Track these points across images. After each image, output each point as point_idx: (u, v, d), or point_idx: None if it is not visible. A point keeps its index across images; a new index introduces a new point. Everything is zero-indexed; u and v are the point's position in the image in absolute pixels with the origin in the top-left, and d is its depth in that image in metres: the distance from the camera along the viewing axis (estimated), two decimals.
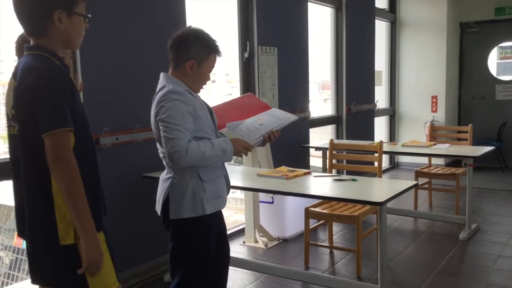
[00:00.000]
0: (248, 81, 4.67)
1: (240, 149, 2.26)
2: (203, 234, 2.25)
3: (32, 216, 1.74)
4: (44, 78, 1.63)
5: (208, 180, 2.23)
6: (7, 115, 1.80)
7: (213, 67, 2.29)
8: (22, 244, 6.79)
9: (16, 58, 2.37)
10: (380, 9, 7.22)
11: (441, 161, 6.93)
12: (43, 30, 1.70)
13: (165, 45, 2.29)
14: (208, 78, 2.32)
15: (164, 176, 2.29)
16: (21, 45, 2.27)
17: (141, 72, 3.51)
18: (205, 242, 2.26)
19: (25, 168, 1.73)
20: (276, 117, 2.52)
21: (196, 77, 2.24)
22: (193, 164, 2.15)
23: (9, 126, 1.80)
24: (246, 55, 4.60)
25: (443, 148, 4.74)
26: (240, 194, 5.13)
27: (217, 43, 2.26)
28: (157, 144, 2.28)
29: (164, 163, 2.29)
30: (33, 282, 1.98)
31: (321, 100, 7.60)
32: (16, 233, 6.93)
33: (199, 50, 2.21)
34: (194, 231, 2.23)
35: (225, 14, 4.83)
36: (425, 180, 5.45)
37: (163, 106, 2.12)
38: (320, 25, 6.16)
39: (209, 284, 2.30)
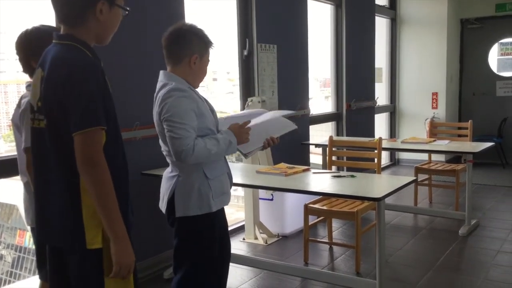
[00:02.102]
0: (247, 78, 4.69)
1: (242, 135, 2.30)
2: (209, 231, 2.28)
3: (58, 217, 1.66)
4: (77, 71, 1.55)
5: (213, 177, 2.25)
6: (32, 107, 1.71)
7: (209, 60, 2.33)
8: (24, 242, 6.83)
9: (16, 57, 2.33)
10: (380, 6, 7.22)
11: (441, 157, 6.94)
12: (81, 19, 1.64)
13: None
14: (206, 73, 2.35)
15: (168, 174, 2.30)
16: (22, 45, 2.26)
17: (140, 70, 3.52)
18: (210, 239, 2.29)
19: (53, 166, 1.65)
20: (277, 122, 2.53)
21: (198, 71, 2.28)
22: (199, 162, 2.17)
23: (34, 119, 1.70)
24: (245, 52, 4.61)
25: (443, 144, 4.75)
26: (241, 191, 5.15)
27: (210, 36, 2.30)
28: (160, 142, 2.29)
29: (169, 161, 2.30)
30: (43, 277, 1.94)
31: (322, 97, 7.61)
32: (18, 231, 6.97)
33: (199, 45, 2.25)
34: (200, 228, 2.26)
35: (224, 12, 4.84)
36: (425, 176, 5.46)
37: (167, 104, 2.13)
38: (320, 22, 6.16)
39: (211, 280, 2.33)
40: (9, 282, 6.68)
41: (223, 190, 2.32)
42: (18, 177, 2.59)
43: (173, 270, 2.37)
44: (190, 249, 2.28)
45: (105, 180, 1.56)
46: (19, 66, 2.38)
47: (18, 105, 2.27)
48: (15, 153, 2.50)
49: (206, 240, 2.27)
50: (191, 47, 2.23)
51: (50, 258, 1.79)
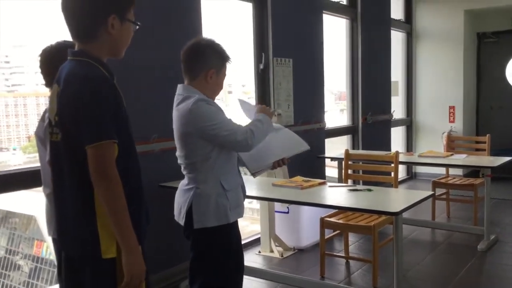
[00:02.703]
0: (263, 92, 4.71)
1: (267, 111, 2.41)
2: (226, 242, 2.29)
3: (74, 227, 1.70)
4: (88, 87, 1.60)
5: (230, 189, 2.28)
6: (50, 121, 1.77)
7: (225, 75, 2.37)
8: (41, 253, 6.89)
9: (37, 70, 2.37)
10: (396, 20, 7.22)
11: (459, 171, 6.85)
12: (94, 34, 1.68)
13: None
14: (222, 87, 2.39)
15: (185, 187, 2.32)
16: (47, 60, 2.30)
17: (157, 83, 3.57)
18: (227, 251, 2.30)
19: (67, 177, 1.69)
20: (290, 141, 2.54)
21: (214, 86, 2.31)
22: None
23: (52, 133, 1.76)
24: (261, 66, 4.64)
25: (461, 158, 4.70)
26: (256, 204, 5.15)
27: (228, 51, 2.34)
28: (178, 153, 2.32)
29: (185, 173, 2.32)
30: None
31: (337, 110, 7.60)
32: (36, 242, 7.04)
33: (216, 59, 2.29)
34: (218, 239, 2.27)
35: (241, 26, 4.89)
36: (443, 190, 5.40)
37: (198, 113, 2.17)
38: (336, 36, 6.18)
39: None
40: None
41: (239, 202, 2.34)
42: (37, 189, 2.63)
43: (189, 282, 2.38)
44: (206, 261, 2.29)
45: (117, 193, 1.60)
46: (38, 79, 2.41)
47: (42, 119, 2.32)
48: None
49: (223, 252, 2.28)
50: (209, 61, 2.26)
51: (65, 267, 1.82)
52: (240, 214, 2.36)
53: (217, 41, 2.33)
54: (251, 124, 2.30)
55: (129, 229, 1.63)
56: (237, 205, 2.32)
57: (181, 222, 2.30)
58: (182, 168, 2.32)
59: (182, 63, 2.31)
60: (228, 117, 2.26)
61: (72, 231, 1.72)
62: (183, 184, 2.35)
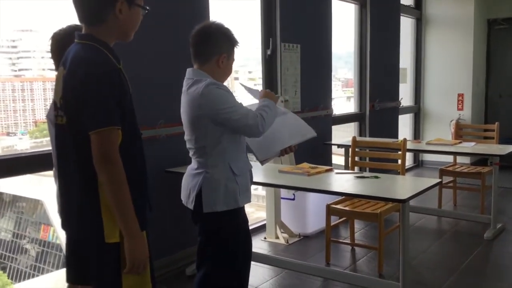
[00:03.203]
0: (270, 78, 4.68)
1: (272, 96, 2.41)
2: (235, 226, 2.30)
3: (78, 211, 1.71)
4: (93, 72, 1.59)
5: (240, 173, 2.28)
6: (55, 104, 1.76)
7: (234, 59, 2.36)
8: (48, 237, 6.95)
9: (49, 54, 2.34)
10: (406, 5, 7.13)
11: (466, 159, 6.81)
12: (101, 19, 1.66)
13: (188, 41, 2.31)
14: (231, 71, 2.38)
15: (194, 171, 2.30)
16: (58, 44, 2.27)
17: (164, 68, 3.55)
18: (235, 235, 2.30)
19: (72, 160, 1.69)
20: (297, 128, 2.52)
21: (225, 70, 2.31)
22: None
23: (57, 116, 1.76)
24: (268, 52, 4.60)
25: (469, 146, 4.66)
26: (262, 191, 5.14)
27: (236, 35, 2.33)
28: (186, 137, 2.31)
29: (194, 158, 2.31)
30: (69, 279, 1.95)
31: (344, 98, 7.55)
32: (42, 226, 7.10)
33: (227, 44, 2.27)
34: (227, 223, 2.27)
35: (248, 11, 4.84)
36: (450, 178, 5.37)
37: (210, 97, 2.16)
38: (344, 22, 6.12)
39: (234, 277, 2.33)
40: (33, 275, 6.80)
41: (247, 187, 2.35)
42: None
43: (196, 267, 2.38)
44: (214, 246, 2.29)
45: (119, 179, 1.60)
46: (45, 64, 2.39)
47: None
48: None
49: (231, 236, 2.28)
50: (220, 46, 2.25)
51: (71, 250, 1.87)
52: (249, 199, 2.36)
53: (226, 25, 2.30)
54: (260, 109, 2.29)
55: (131, 215, 1.63)
56: (246, 189, 2.32)
57: (190, 206, 2.30)
58: (191, 152, 2.31)
59: (192, 47, 2.29)
60: (239, 101, 2.25)
61: (75, 214, 1.72)
62: (191, 168, 2.34)
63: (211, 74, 2.25)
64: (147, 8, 1.76)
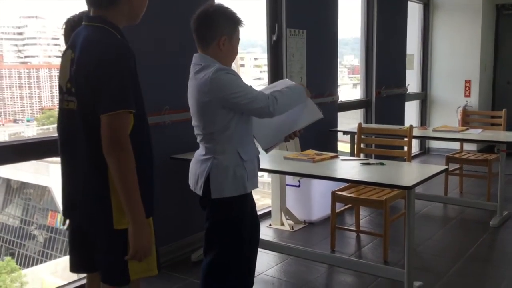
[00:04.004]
0: (276, 64, 4.65)
1: (306, 91, 2.43)
2: (243, 212, 2.30)
3: (87, 197, 1.70)
4: (109, 53, 1.56)
5: (248, 159, 2.27)
6: (61, 88, 1.73)
7: (239, 39, 2.31)
8: (56, 223, 7.00)
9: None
10: None
11: (473, 146, 6.77)
12: (113, 2, 1.64)
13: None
14: (237, 52, 2.34)
15: (201, 157, 2.29)
16: (71, 29, 2.25)
17: (169, 53, 3.53)
18: (242, 221, 2.30)
19: (80, 146, 1.67)
20: (303, 110, 2.49)
21: (228, 52, 2.26)
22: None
23: (62, 100, 1.73)
24: (274, 37, 4.57)
25: (476, 133, 4.63)
26: (267, 178, 5.15)
27: (238, 14, 2.28)
28: (194, 122, 2.30)
29: (201, 144, 2.30)
30: (74, 269, 1.94)
31: (351, 85, 7.52)
32: (50, 213, 7.15)
33: (227, 25, 2.22)
34: (235, 209, 2.27)
35: None
36: (456, 166, 5.35)
37: (219, 82, 2.14)
38: (351, 7, 6.06)
39: (241, 262, 2.34)
40: (41, 261, 6.88)
41: (255, 173, 2.34)
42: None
43: (204, 252, 2.38)
44: (222, 231, 2.29)
45: (129, 164, 1.58)
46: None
47: None
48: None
49: (239, 222, 2.28)
50: (219, 28, 2.20)
51: (77, 236, 1.83)
52: (256, 185, 2.36)
53: (226, 5, 2.26)
54: (277, 91, 2.30)
55: (138, 201, 1.62)
56: (253, 175, 2.32)
57: (199, 192, 2.30)
58: (199, 138, 2.30)
59: (193, 32, 2.27)
60: (248, 84, 2.23)
61: (84, 201, 1.72)
62: (199, 154, 2.33)
63: (215, 57, 2.22)
64: None
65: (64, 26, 2.24)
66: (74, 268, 1.93)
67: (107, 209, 1.65)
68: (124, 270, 1.70)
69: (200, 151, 2.32)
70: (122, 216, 1.65)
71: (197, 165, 2.32)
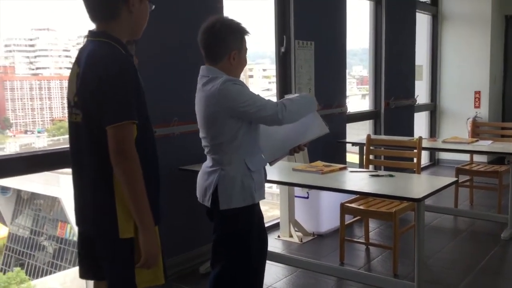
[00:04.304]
0: (284, 75, 4.66)
1: (315, 103, 2.44)
2: (250, 223, 2.30)
3: (93, 206, 1.73)
4: (113, 68, 1.62)
5: (255, 169, 2.27)
6: (69, 102, 1.79)
7: (247, 49, 2.33)
8: (65, 234, 7.03)
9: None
10: (421, 1, 7.05)
11: (483, 158, 6.71)
12: (116, 13, 1.69)
13: None
14: (246, 62, 2.36)
15: (209, 169, 2.30)
16: None
17: (178, 65, 3.55)
18: (250, 232, 2.29)
19: (87, 157, 1.72)
20: (308, 124, 2.49)
21: (238, 65, 2.29)
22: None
23: (71, 114, 1.78)
24: (282, 49, 4.59)
25: (486, 144, 4.60)
26: (275, 189, 5.14)
27: (243, 24, 2.29)
28: (201, 134, 2.31)
29: (209, 155, 2.31)
30: (83, 275, 1.95)
31: (359, 96, 7.50)
32: (59, 223, 7.18)
33: (235, 39, 2.25)
34: (243, 220, 2.27)
35: (262, 8, 4.83)
36: (466, 177, 5.31)
37: (227, 93, 2.16)
38: (359, 18, 6.08)
39: (249, 274, 2.33)
40: (50, 272, 6.89)
41: (262, 184, 2.35)
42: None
43: (211, 264, 2.38)
44: (229, 243, 2.29)
45: (135, 172, 1.63)
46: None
47: None
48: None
49: (247, 233, 2.28)
50: (229, 44, 2.23)
51: (84, 246, 1.86)
52: (263, 196, 2.36)
53: (230, 17, 2.28)
54: (287, 98, 2.31)
55: (147, 208, 1.66)
56: (261, 186, 2.32)
57: (207, 204, 2.30)
58: (206, 150, 2.31)
59: (201, 49, 2.28)
60: (256, 93, 2.24)
61: (90, 210, 1.75)
62: (206, 166, 2.34)
63: (226, 71, 2.24)
64: (154, 3, 1.80)
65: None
66: (83, 275, 1.96)
67: (113, 218, 1.68)
68: (131, 279, 1.72)
69: (207, 163, 2.33)
70: (128, 225, 1.68)
71: (204, 177, 2.32)
